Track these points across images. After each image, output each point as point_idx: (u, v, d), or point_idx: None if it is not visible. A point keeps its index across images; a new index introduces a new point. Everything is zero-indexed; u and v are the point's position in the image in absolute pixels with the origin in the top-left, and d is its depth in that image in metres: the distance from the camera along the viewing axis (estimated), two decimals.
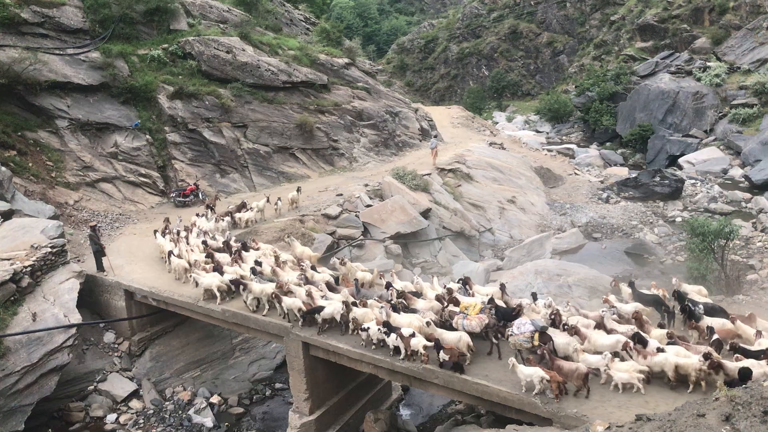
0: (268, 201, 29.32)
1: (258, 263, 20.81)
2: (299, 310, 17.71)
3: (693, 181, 44.48)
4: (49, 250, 21.96)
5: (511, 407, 13.81)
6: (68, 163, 30.02)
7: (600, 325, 15.17)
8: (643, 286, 20.24)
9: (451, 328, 15.90)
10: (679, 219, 37.37)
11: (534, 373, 13.10)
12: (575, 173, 46.96)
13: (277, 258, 21.70)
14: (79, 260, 24.59)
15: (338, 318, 17.06)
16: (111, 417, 20.92)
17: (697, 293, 17.13)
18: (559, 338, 14.63)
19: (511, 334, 14.90)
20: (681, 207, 39.72)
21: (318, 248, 27.44)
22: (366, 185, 34.26)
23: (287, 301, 18.01)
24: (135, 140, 32.28)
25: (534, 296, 17.68)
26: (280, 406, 22.19)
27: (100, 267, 23.50)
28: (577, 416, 12.49)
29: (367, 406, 19.81)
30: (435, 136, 41.22)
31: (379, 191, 33.87)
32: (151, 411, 21.26)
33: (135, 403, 21.56)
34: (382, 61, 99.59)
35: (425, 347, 15.06)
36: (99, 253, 23.45)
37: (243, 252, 22.35)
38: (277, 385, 23.39)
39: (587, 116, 64.67)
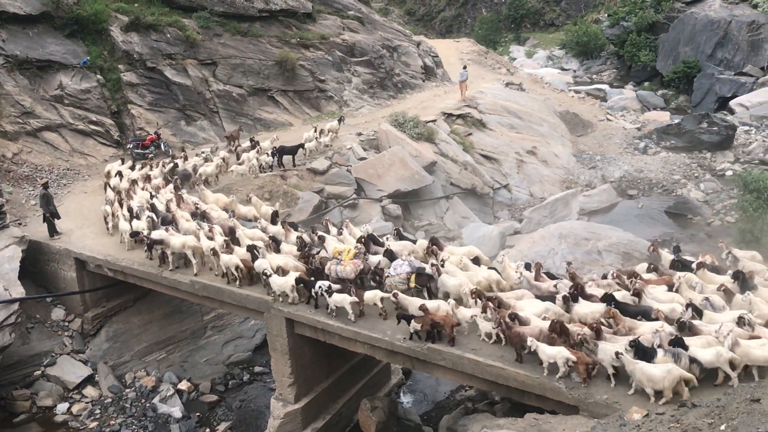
0: (315, 131, 31.60)
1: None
2: (237, 268, 18.41)
3: (746, 127, 44.23)
4: None
5: (530, 393, 13.92)
6: (4, 108, 29.70)
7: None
8: (686, 251, 20.29)
9: (320, 274, 17.58)
10: (729, 172, 37.28)
11: (558, 353, 13.18)
12: (607, 119, 46.70)
13: (179, 197, 22.79)
14: (20, 223, 24.54)
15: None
16: (62, 407, 21.05)
17: (750, 259, 17.17)
18: (452, 280, 16.26)
19: (387, 276, 16.43)
20: (732, 158, 39.60)
21: (303, 209, 27.41)
22: (359, 134, 34.07)
23: (224, 258, 18.52)
24: (84, 81, 31.93)
25: (550, 276, 17.55)
26: (261, 392, 22.38)
27: (53, 231, 23.53)
28: (608, 403, 12.60)
29: (363, 393, 19.96)
30: (465, 68, 41.00)
31: (374, 141, 33.68)
32: (109, 399, 21.42)
33: (90, 391, 21.70)
34: None
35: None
36: (53, 216, 23.46)
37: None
38: (257, 369, 23.57)
39: (622, 51, 64.05)
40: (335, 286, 16.60)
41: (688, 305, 14.28)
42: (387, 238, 19.91)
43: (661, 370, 12.13)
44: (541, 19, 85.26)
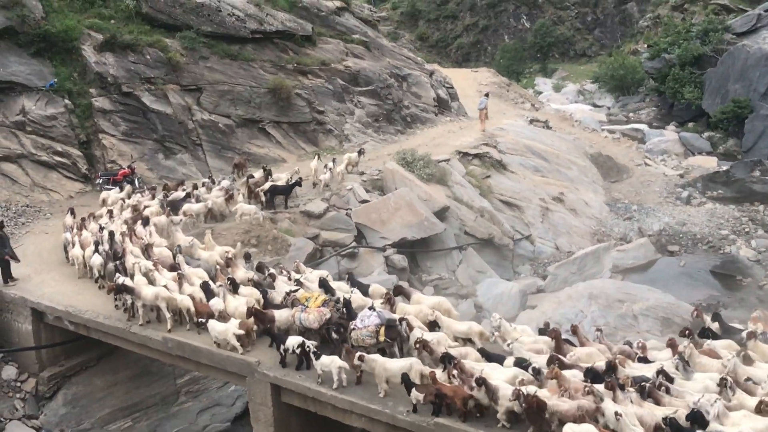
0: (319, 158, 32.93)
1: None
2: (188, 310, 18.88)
3: None
4: None
5: None
6: None
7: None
8: (733, 317, 20.23)
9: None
10: None
11: (587, 431, 13.06)
12: (645, 163, 46.85)
13: (132, 231, 23.63)
14: None
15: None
16: None
17: None
18: (426, 336, 16.23)
19: (353, 329, 16.51)
20: None
21: (295, 257, 27.37)
22: (361, 173, 34.17)
23: (177, 299, 19.03)
24: (49, 106, 32.17)
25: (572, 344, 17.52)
26: None
27: (8, 277, 23.47)
28: None
29: None
30: (486, 95, 41.60)
31: (378, 182, 33.76)
32: None
33: None
34: (386, 6, 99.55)
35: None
36: (10, 258, 23.50)
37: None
38: None
39: (663, 87, 64.39)
40: (311, 342, 16.68)
41: (658, 372, 14.29)
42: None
43: None
44: (571, 48, 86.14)
